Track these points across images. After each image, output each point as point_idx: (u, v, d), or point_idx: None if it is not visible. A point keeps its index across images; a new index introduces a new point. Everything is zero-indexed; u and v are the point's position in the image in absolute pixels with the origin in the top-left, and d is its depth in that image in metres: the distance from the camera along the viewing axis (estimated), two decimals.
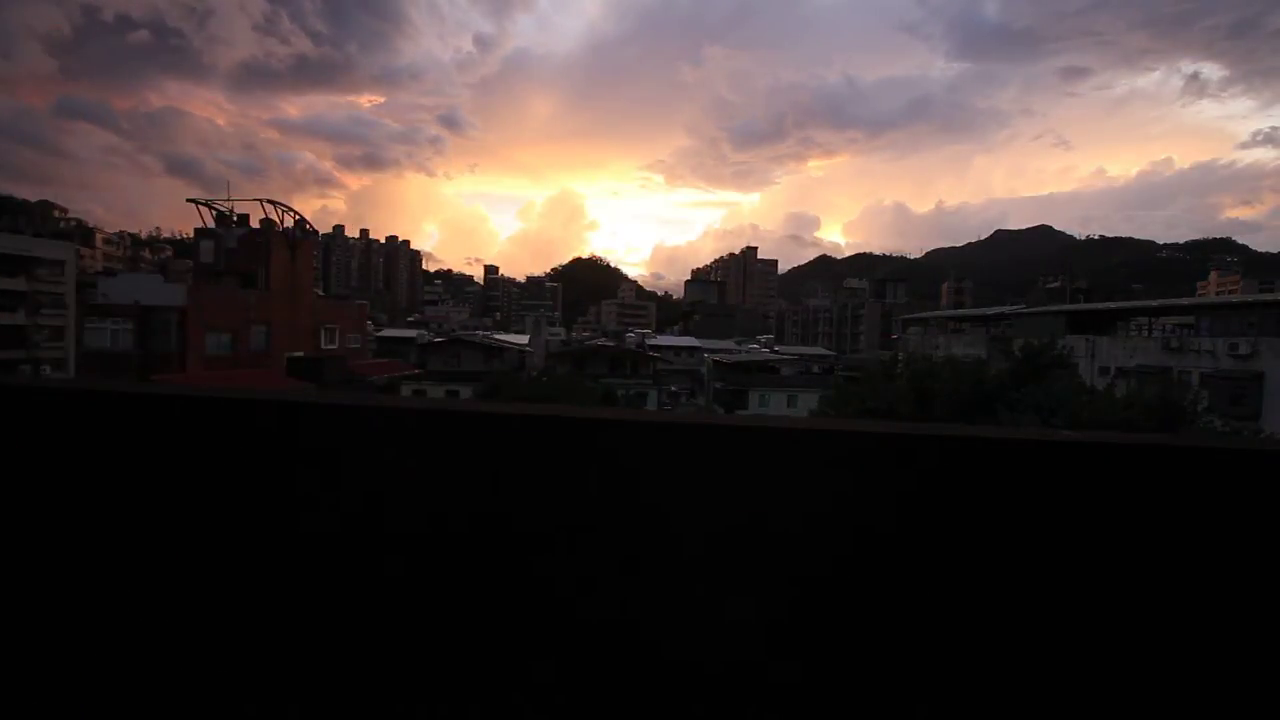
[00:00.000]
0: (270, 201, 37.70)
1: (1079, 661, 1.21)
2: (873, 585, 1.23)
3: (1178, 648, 1.20)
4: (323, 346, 36.79)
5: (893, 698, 1.24)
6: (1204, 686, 1.20)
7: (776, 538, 1.22)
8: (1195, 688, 1.20)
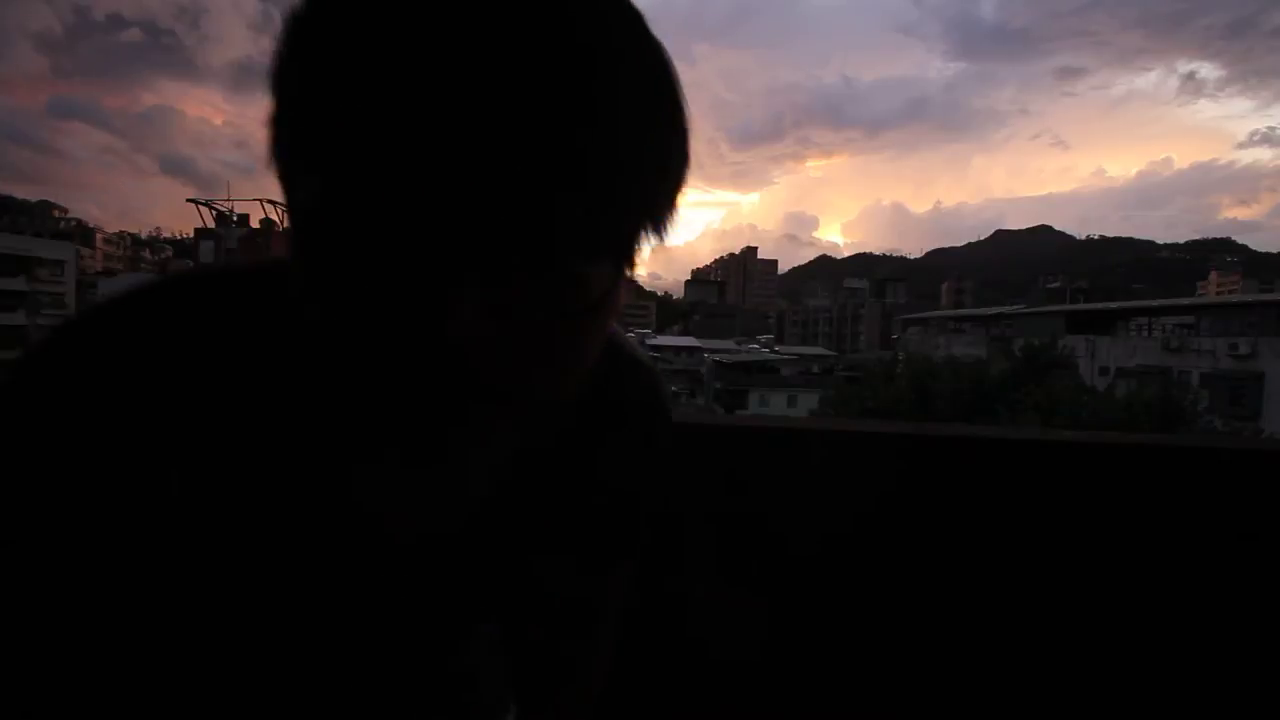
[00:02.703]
0: (270, 201, 37.66)
1: (1080, 658, 1.21)
2: (874, 583, 1.23)
3: (1178, 645, 1.20)
4: None
5: (895, 695, 1.24)
6: (1204, 684, 1.20)
7: (777, 536, 1.22)
8: (1195, 685, 1.21)
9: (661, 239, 0.38)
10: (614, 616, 0.71)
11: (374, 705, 0.58)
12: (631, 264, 0.37)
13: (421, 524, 0.52)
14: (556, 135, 0.29)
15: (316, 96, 0.30)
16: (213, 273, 0.47)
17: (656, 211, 0.37)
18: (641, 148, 0.33)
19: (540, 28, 0.29)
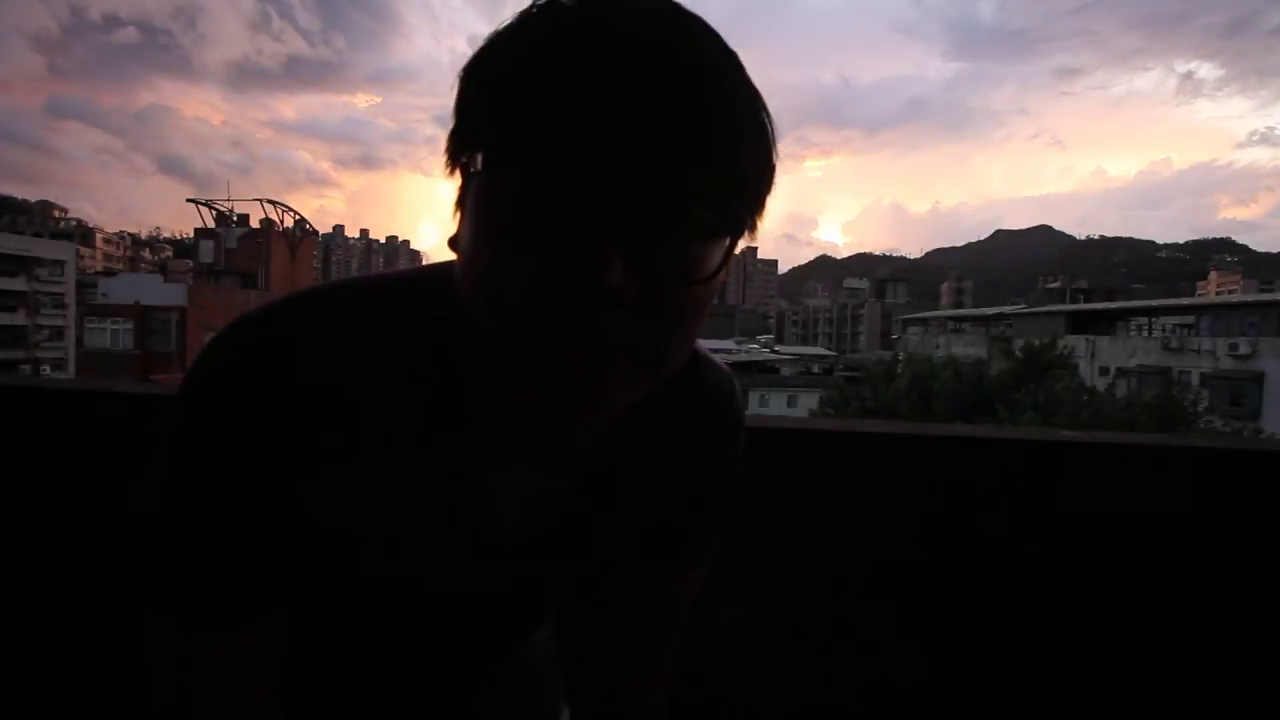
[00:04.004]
0: (270, 201, 37.70)
1: (1078, 658, 1.21)
2: (873, 583, 1.23)
3: (1177, 645, 1.20)
4: None
5: (894, 696, 1.24)
6: (1204, 684, 1.20)
7: (776, 536, 1.22)
8: (1195, 685, 1.20)
9: (753, 233, 0.46)
10: (679, 624, 0.71)
11: (433, 696, 0.60)
12: (735, 246, 0.43)
13: (525, 527, 0.54)
14: (681, 137, 0.39)
15: (522, 115, 0.40)
16: (372, 280, 0.52)
17: (754, 201, 0.45)
18: (744, 147, 0.42)
19: (670, 64, 0.40)
